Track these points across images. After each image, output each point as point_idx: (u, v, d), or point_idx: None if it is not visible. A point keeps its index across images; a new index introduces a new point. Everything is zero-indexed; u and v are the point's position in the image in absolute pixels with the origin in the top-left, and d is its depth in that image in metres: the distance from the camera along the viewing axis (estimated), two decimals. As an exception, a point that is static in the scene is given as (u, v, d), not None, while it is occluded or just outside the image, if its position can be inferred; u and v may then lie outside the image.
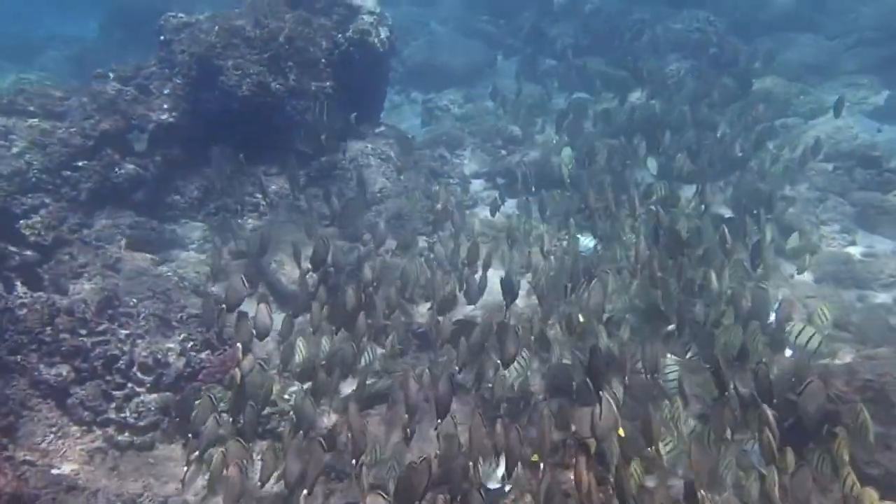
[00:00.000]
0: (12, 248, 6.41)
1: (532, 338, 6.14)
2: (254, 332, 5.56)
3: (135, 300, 6.46)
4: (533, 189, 9.09)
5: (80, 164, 8.10)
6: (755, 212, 8.04)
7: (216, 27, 9.00)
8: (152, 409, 5.80)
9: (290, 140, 9.33)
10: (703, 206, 8.30)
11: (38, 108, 7.97)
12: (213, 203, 9.12)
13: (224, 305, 6.10)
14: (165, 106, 8.81)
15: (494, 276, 7.06)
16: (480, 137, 11.82)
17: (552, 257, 7.62)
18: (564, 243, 8.07)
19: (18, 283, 6.39)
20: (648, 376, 5.41)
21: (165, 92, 8.84)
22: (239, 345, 5.65)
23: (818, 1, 16.36)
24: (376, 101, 10.38)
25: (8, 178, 7.48)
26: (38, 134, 7.82)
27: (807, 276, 8.27)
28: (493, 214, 8.86)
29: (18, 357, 5.55)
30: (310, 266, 6.80)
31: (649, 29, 14.13)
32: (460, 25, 18.69)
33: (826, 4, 16.49)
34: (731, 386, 5.10)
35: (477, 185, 10.80)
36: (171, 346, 6.22)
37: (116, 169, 8.39)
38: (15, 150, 7.62)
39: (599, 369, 4.79)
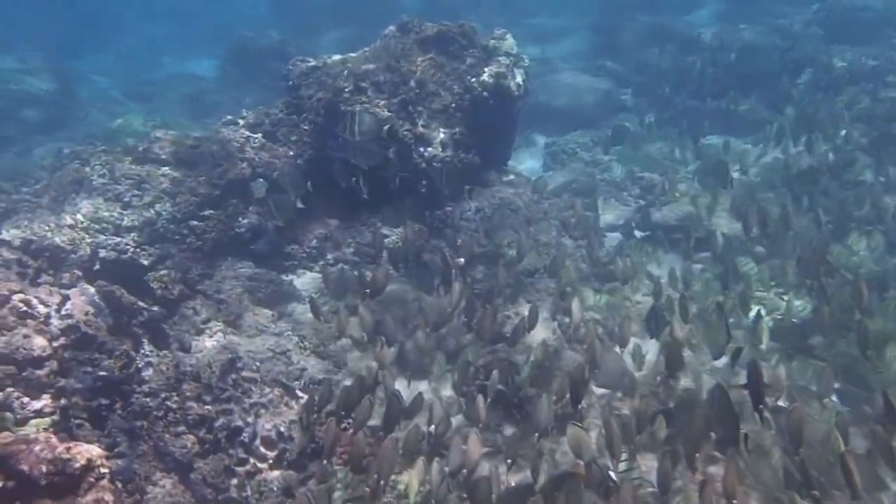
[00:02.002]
0: (141, 304, 6.45)
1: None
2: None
3: (257, 364, 6.33)
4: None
5: (206, 213, 8.23)
6: None
7: (345, 71, 9.05)
8: (274, 489, 5.57)
9: (416, 188, 9.21)
10: None
11: (171, 156, 8.17)
12: (331, 254, 9.13)
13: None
14: (291, 153, 8.88)
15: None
16: (614, 185, 11.31)
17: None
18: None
19: (145, 341, 6.40)
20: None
21: (292, 139, 8.92)
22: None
23: None
24: (506, 147, 10.11)
25: (139, 228, 7.66)
26: (169, 183, 8.00)
27: None
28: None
29: (145, 423, 5.48)
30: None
31: (809, 66, 13.22)
32: (584, 63, 18.36)
33: None
34: None
35: (613, 238, 10.26)
36: (295, 417, 6.01)
37: (240, 218, 8.47)
38: (147, 199, 7.81)
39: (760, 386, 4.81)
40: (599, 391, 6.80)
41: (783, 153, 10.23)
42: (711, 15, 20.31)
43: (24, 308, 4.93)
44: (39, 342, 4.71)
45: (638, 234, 9.99)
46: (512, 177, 10.04)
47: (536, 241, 9.30)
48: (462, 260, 8.50)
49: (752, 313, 7.76)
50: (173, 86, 21.19)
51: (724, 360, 6.26)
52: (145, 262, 7.66)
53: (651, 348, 7.17)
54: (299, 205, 7.70)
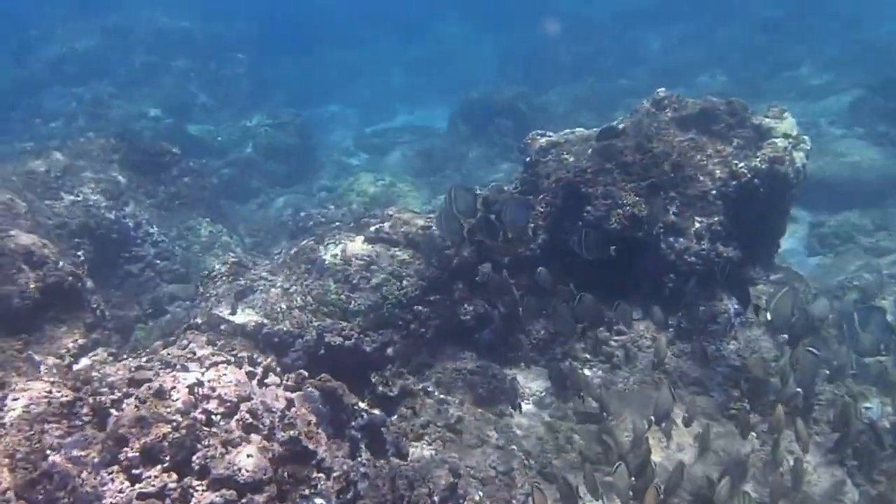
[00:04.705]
0: (361, 406, 6.28)
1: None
2: None
3: (480, 493, 5.84)
4: None
5: (432, 298, 8.05)
6: None
7: (589, 149, 8.51)
8: None
9: (661, 283, 8.40)
10: None
11: (401, 236, 8.13)
12: (559, 348, 8.55)
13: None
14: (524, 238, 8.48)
15: None
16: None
17: None
18: None
19: (363, 446, 6.20)
20: None
21: (527, 222, 8.52)
22: None
23: None
24: (773, 239, 8.89)
25: (364, 312, 7.64)
26: (398, 265, 7.94)
27: None
28: None
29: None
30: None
31: None
32: (860, 129, 16.21)
33: None
34: None
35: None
36: (518, 565, 5.40)
37: (465, 305, 8.19)
38: (374, 281, 7.79)
39: None
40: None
41: None
42: None
43: (251, 419, 4.87)
44: (262, 462, 4.59)
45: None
46: (780, 274, 8.77)
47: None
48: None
49: None
50: (403, 139, 22.18)
51: None
52: (368, 349, 7.62)
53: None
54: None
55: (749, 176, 7.94)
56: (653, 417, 7.08)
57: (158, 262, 9.47)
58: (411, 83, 31.25)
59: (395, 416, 6.96)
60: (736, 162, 8.01)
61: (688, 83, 21.77)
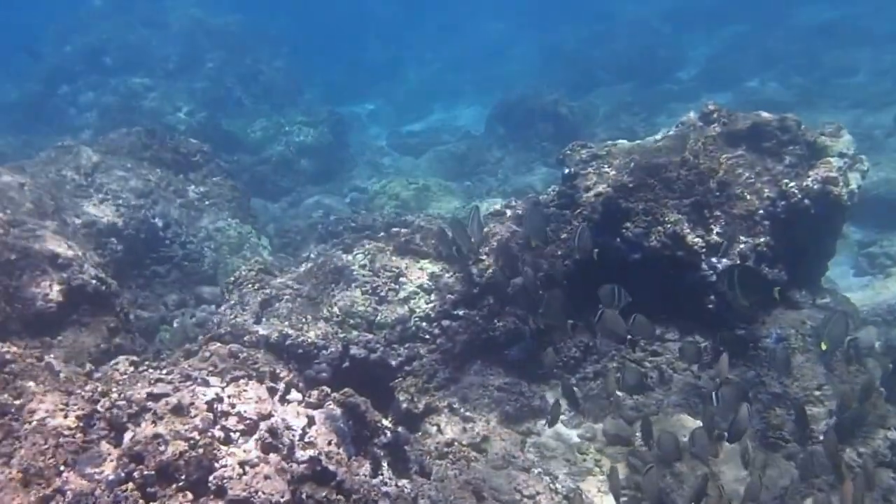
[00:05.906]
0: (385, 423, 6.21)
1: None
2: None
3: (504, 517, 5.74)
4: None
5: (460, 312, 7.96)
6: None
7: (631, 163, 8.32)
8: None
9: (700, 303, 8.20)
10: None
11: (432, 248, 8.05)
12: (591, 367, 8.44)
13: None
14: (559, 253, 8.33)
15: None
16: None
17: None
18: None
19: (385, 464, 6.13)
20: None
21: (562, 237, 8.37)
22: None
23: None
24: (821, 261, 8.62)
25: (391, 325, 7.58)
26: (427, 278, 7.87)
27: None
28: None
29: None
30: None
31: None
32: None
33: None
34: None
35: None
36: None
37: (495, 321, 8.09)
38: (402, 294, 7.73)
39: None
40: None
41: None
42: None
43: (270, 439, 4.82)
44: (279, 485, 4.54)
45: None
46: (827, 299, 8.49)
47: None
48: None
49: None
50: (437, 139, 22.07)
51: None
52: (393, 363, 7.57)
53: None
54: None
55: (799, 196, 7.70)
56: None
57: (186, 263, 9.52)
58: (449, 82, 31.08)
59: (419, 434, 6.89)
60: (786, 181, 7.77)
61: (736, 88, 21.35)
